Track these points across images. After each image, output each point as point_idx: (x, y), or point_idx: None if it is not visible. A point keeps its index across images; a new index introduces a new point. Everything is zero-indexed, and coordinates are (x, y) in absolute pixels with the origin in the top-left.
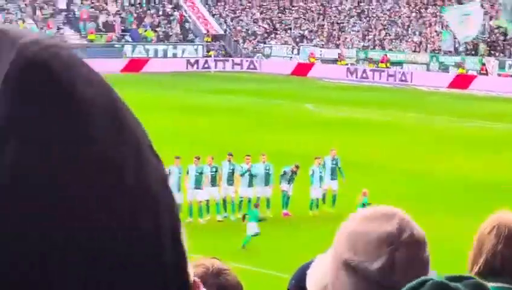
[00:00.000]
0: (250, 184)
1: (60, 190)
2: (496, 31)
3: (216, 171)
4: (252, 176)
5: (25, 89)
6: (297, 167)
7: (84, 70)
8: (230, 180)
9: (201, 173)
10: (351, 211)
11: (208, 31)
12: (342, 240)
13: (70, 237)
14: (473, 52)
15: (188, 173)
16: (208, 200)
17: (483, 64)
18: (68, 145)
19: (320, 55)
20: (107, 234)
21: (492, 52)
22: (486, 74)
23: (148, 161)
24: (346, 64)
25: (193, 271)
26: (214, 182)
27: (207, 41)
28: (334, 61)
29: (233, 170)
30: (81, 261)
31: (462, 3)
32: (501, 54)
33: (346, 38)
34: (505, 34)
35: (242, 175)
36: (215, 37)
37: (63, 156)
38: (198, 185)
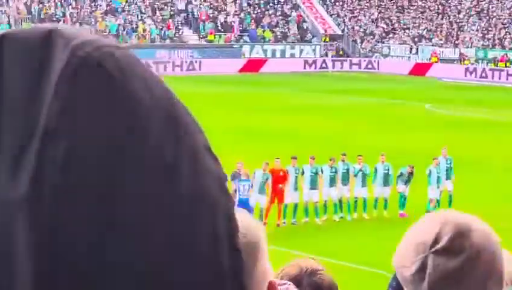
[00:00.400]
0: (364, 184)
1: (110, 190)
2: None
3: (335, 172)
4: (365, 175)
5: (77, 89)
6: (412, 167)
7: (139, 70)
8: (345, 180)
9: (316, 173)
10: (467, 210)
11: (325, 31)
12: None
13: (121, 241)
14: None
15: (303, 173)
16: (325, 201)
17: None
18: (120, 143)
19: (439, 54)
20: (159, 239)
21: None
22: None
23: (205, 162)
24: (469, 64)
25: (288, 271)
26: (332, 182)
27: (325, 41)
28: (454, 60)
29: (347, 170)
30: (131, 274)
31: None
32: None
33: (465, 37)
34: None
35: (355, 175)
36: (333, 37)
37: (114, 154)
38: (313, 185)
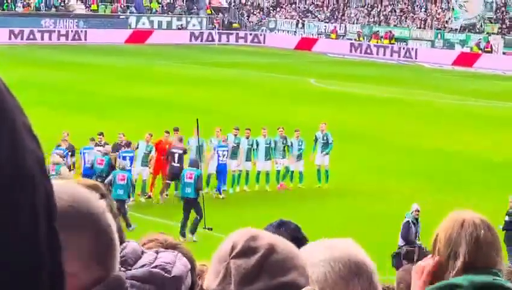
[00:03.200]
0: (248, 158)
1: None
2: (503, 9)
3: (226, 146)
4: (250, 149)
5: None
6: (284, 135)
7: None
8: (235, 154)
9: (202, 146)
10: (342, 187)
11: (210, 3)
12: None
13: None
14: (478, 30)
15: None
16: (209, 174)
17: (488, 42)
18: None
19: (325, 30)
20: None
21: (498, 30)
22: (491, 52)
23: (25, 142)
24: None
25: (149, 245)
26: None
27: (208, 14)
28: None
29: (238, 144)
30: None
31: None
32: (507, 32)
33: (351, 13)
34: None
35: (255, 149)
36: (219, 10)
37: None
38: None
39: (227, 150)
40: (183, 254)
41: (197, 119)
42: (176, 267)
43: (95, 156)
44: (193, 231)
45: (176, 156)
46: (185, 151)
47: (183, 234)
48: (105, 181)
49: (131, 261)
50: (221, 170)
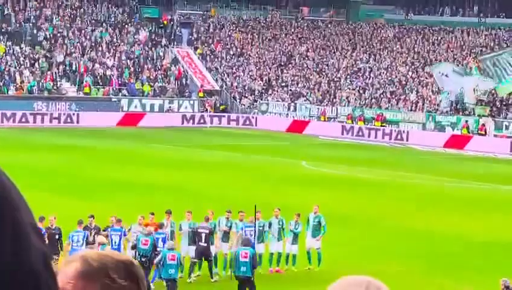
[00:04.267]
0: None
1: None
2: (493, 91)
3: (214, 228)
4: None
5: None
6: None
7: None
8: (225, 237)
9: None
10: (336, 269)
11: (201, 86)
12: None
13: None
14: (469, 113)
15: (180, 229)
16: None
17: (483, 125)
18: None
19: (317, 112)
20: None
21: (489, 112)
22: (485, 134)
23: (30, 239)
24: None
25: None
26: (211, 239)
27: (200, 97)
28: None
29: (230, 227)
30: None
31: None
32: (497, 115)
33: (342, 96)
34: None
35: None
36: (211, 93)
37: None
38: (192, 241)
39: (254, 230)
40: None
41: (255, 205)
42: None
43: (139, 236)
44: None
45: (203, 235)
46: (211, 231)
47: None
48: (155, 261)
49: None
50: None
